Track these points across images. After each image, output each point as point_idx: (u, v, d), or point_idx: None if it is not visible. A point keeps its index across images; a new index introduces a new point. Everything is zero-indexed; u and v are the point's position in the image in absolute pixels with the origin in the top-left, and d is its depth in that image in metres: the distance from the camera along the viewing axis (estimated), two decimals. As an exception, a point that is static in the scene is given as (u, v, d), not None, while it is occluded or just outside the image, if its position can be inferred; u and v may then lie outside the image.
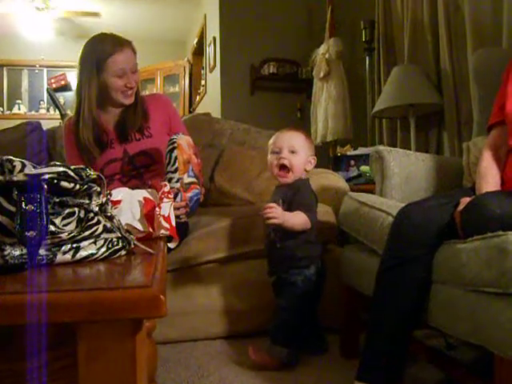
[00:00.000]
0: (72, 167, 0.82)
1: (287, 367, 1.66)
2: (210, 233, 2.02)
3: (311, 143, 1.81)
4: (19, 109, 7.02)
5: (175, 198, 1.68)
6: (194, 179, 1.75)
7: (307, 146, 1.77)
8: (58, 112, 5.91)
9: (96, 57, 1.83)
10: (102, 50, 1.83)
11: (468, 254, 1.14)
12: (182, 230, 1.82)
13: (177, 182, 1.69)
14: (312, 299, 1.76)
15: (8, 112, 6.97)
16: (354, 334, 1.77)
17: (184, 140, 1.74)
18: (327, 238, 2.08)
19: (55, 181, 0.78)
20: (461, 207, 1.27)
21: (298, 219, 1.66)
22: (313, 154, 1.79)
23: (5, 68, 6.98)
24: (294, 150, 1.71)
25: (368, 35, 3.58)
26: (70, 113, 2.06)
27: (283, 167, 1.73)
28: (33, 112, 7.04)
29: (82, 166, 0.86)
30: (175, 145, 1.71)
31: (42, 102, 7.13)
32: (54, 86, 6.88)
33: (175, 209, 1.65)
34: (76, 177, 0.81)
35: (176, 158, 1.70)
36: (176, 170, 1.69)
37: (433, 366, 1.60)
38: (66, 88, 6.95)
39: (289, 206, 1.68)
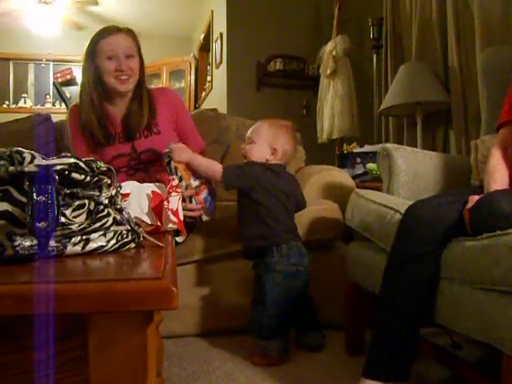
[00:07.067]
0: (83, 159, 0.82)
1: (283, 361, 1.68)
2: (215, 228, 2.02)
3: (279, 132, 1.83)
4: (25, 103, 7.02)
5: (190, 203, 1.75)
6: (201, 180, 1.80)
7: (270, 135, 1.82)
8: (64, 106, 5.90)
9: (92, 43, 1.86)
10: (97, 35, 1.86)
11: (477, 252, 1.13)
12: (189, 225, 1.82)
13: (186, 188, 1.73)
14: (291, 289, 1.70)
15: (14, 106, 6.96)
16: (359, 331, 1.77)
17: (176, 148, 1.77)
18: (333, 235, 2.08)
19: (66, 172, 0.78)
20: (470, 205, 1.26)
21: (207, 162, 1.78)
22: (282, 143, 1.82)
23: (11, 62, 6.98)
24: (251, 141, 1.84)
25: (376, 32, 3.57)
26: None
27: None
28: (39, 106, 7.03)
29: (92, 158, 0.86)
30: (171, 157, 1.74)
31: (47, 97, 7.12)
32: (59, 80, 6.86)
33: (189, 210, 1.70)
34: (87, 168, 0.81)
35: (176, 167, 1.73)
36: (181, 179, 1.72)
37: (439, 364, 1.60)
38: (71, 82, 6.93)
39: None
